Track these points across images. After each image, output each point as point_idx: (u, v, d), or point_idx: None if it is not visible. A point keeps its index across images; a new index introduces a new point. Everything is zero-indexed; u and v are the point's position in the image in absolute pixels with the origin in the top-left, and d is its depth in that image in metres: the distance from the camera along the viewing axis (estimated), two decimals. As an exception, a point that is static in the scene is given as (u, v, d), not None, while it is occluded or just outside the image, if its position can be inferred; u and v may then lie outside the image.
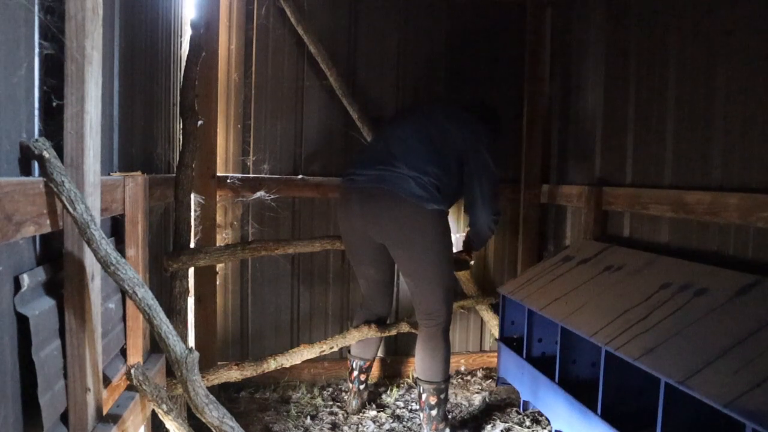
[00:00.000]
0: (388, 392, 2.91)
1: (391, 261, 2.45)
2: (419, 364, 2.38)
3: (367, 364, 2.64)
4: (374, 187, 2.24)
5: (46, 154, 1.11)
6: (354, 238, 2.41)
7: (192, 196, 2.52)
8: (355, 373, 2.63)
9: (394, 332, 2.67)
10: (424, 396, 2.36)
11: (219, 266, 2.87)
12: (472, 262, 2.88)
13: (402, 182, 2.20)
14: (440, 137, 2.33)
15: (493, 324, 3.15)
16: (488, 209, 2.38)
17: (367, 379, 2.67)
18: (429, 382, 2.34)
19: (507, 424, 2.56)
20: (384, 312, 2.62)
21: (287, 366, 2.40)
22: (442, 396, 2.36)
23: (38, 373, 1.10)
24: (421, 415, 2.40)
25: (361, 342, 2.59)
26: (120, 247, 1.61)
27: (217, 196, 2.82)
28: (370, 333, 2.53)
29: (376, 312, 2.60)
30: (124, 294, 1.50)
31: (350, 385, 2.66)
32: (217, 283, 2.87)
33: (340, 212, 2.45)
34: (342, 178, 2.44)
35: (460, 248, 2.80)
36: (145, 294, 1.21)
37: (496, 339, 2.98)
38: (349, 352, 2.68)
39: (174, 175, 2.35)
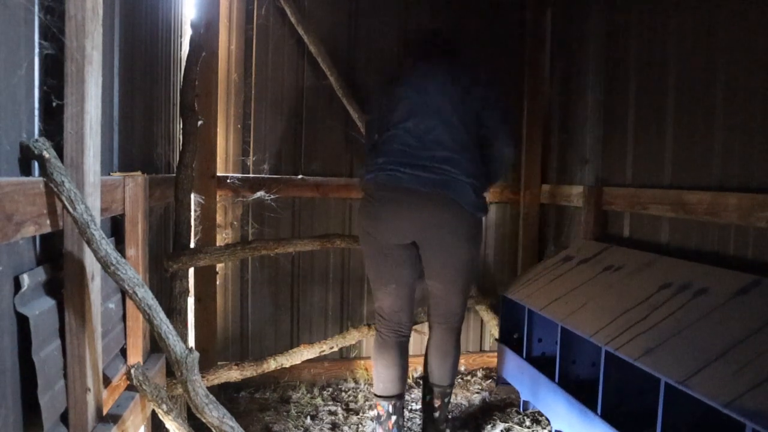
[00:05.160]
0: (388, 392, 2.91)
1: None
2: (429, 366, 2.33)
3: (400, 401, 2.26)
4: (435, 192, 2.06)
5: (46, 154, 1.11)
6: (391, 239, 2.15)
7: (192, 196, 2.52)
8: (394, 418, 2.22)
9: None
10: (428, 398, 2.35)
11: (219, 266, 2.87)
12: None
13: (463, 189, 2.08)
14: (464, 108, 2.15)
15: (493, 324, 3.15)
16: (508, 134, 2.23)
17: (403, 417, 2.32)
18: (436, 385, 2.32)
19: (507, 424, 2.56)
20: (410, 323, 2.30)
21: (287, 366, 2.40)
22: (446, 399, 2.34)
23: (38, 373, 1.10)
24: (423, 415, 2.40)
25: (386, 376, 2.22)
26: (120, 247, 1.61)
27: (217, 196, 2.82)
28: (371, 333, 2.53)
29: (406, 325, 2.27)
30: (124, 294, 1.50)
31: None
32: (217, 283, 2.87)
33: (375, 209, 2.13)
34: (375, 172, 2.12)
35: None
36: (145, 294, 1.21)
37: (496, 339, 2.97)
38: (376, 395, 2.26)
39: (174, 175, 2.35)
